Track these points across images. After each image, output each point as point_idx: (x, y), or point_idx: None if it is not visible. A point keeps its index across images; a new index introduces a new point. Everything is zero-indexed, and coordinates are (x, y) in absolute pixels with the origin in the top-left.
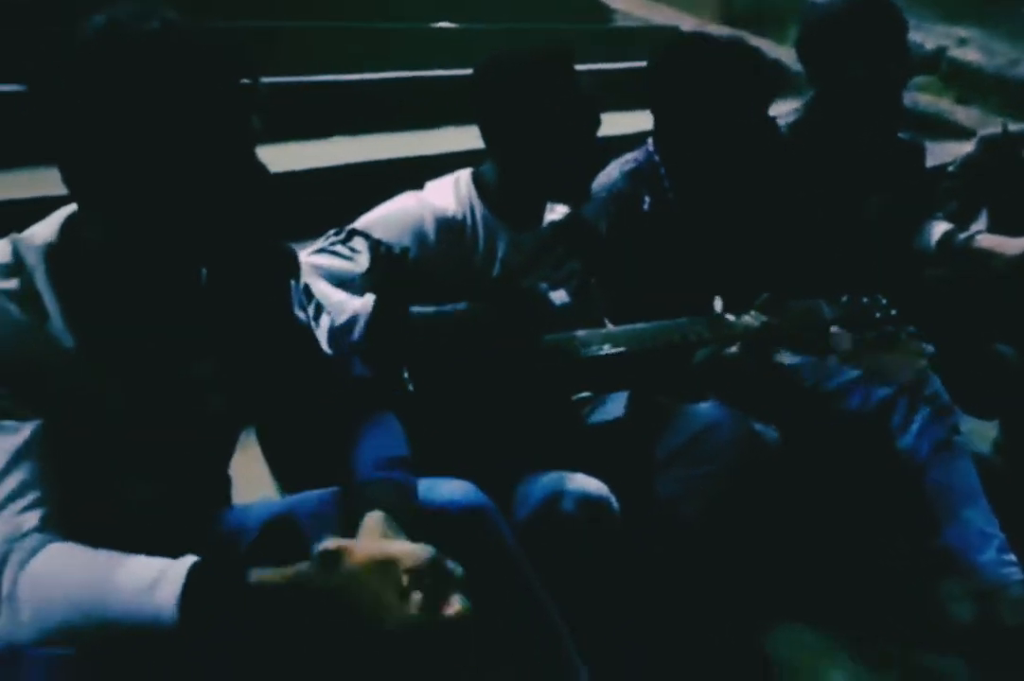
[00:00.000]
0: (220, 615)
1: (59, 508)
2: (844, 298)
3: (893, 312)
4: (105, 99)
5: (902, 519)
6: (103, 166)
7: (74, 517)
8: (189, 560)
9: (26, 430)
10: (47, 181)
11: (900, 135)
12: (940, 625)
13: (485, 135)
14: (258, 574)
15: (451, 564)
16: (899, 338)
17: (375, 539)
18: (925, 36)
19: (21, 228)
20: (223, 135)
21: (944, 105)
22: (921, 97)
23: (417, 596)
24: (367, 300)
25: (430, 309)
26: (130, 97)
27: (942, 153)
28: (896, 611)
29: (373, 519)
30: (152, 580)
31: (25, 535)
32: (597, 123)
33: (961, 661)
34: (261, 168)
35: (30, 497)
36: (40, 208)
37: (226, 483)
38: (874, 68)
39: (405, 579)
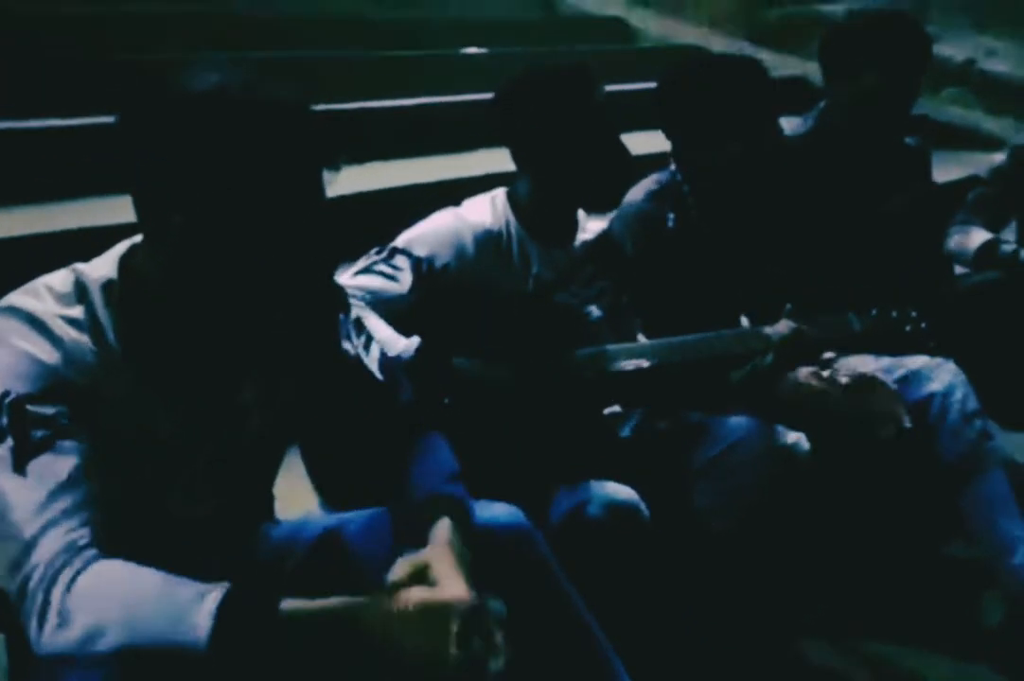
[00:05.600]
0: (252, 643)
1: (109, 528)
2: (873, 311)
3: (923, 325)
4: (201, 151)
5: (934, 527)
6: (181, 204)
7: (125, 535)
8: (224, 586)
9: (81, 451)
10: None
11: (907, 141)
12: (970, 631)
13: (514, 150)
14: (291, 604)
15: (494, 604)
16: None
17: (444, 551)
18: (955, 48)
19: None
20: (299, 210)
21: (974, 116)
22: (952, 109)
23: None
24: (411, 342)
25: (474, 365)
26: (228, 155)
27: (973, 164)
28: (923, 619)
29: (443, 528)
30: (187, 604)
31: (78, 551)
32: (616, 131)
33: (988, 666)
34: (328, 231)
35: (83, 516)
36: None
37: (270, 500)
38: (890, 77)
39: (456, 626)
